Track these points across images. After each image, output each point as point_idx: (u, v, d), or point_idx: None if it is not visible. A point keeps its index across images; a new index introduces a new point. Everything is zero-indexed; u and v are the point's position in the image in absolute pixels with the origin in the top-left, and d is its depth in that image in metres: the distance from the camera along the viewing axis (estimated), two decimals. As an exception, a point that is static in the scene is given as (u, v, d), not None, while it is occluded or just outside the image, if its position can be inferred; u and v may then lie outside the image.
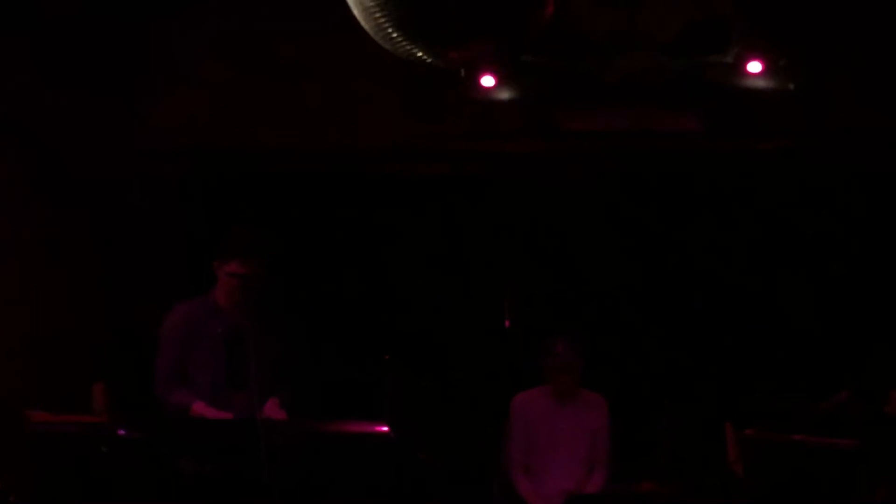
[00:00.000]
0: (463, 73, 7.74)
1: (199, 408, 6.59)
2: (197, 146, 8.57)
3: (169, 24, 8.31)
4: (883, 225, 8.61)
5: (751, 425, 7.27)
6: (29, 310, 8.18)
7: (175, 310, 6.88)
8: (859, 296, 8.63)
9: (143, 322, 7.51)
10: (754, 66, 7.67)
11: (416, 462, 7.25)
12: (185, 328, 6.77)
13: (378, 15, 4.96)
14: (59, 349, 8.22)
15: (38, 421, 6.89)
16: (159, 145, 8.54)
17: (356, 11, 4.99)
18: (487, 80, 7.98)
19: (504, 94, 8.13)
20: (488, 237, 8.95)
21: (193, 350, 6.74)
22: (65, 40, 7.95)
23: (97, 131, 8.25)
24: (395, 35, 4.94)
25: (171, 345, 6.76)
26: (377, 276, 9.12)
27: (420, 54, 6.14)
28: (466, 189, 8.90)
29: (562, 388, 7.48)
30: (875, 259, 8.64)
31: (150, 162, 8.61)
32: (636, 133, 8.41)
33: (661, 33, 7.75)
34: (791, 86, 7.82)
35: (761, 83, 7.79)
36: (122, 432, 6.48)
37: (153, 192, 8.72)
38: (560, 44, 7.78)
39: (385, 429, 6.68)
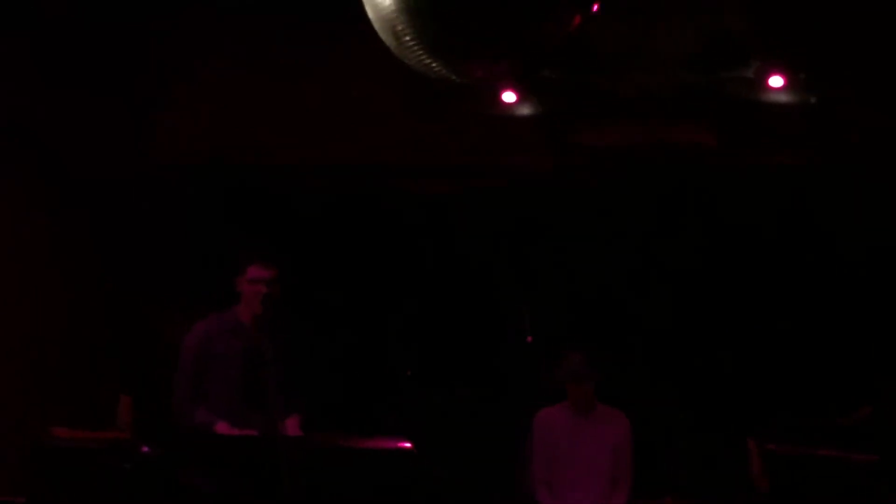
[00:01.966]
0: (483, 89, 7.76)
1: (223, 428, 6.56)
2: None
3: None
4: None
5: (773, 440, 7.25)
6: (53, 323, 8.22)
7: (195, 327, 6.85)
8: (883, 310, 8.60)
9: (168, 336, 7.52)
10: (776, 81, 7.68)
11: (438, 478, 7.26)
12: (204, 346, 6.74)
13: (399, 28, 4.96)
14: (85, 363, 8.25)
15: (60, 436, 6.91)
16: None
17: (375, 24, 4.98)
18: (509, 97, 8.00)
19: (521, 110, 8.15)
20: (509, 251, 8.95)
21: (212, 368, 6.71)
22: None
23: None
24: (415, 49, 4.93)
25: (190, 362, 6.73)
26: (397, 291, 9.13)
27: (440, 69, 6.16)
28: (485, 203, 8.89)
29: (579, 402, 7.45)
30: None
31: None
32: (652, 147, 8.40)
33: (677, 48, 7.76)
34: (812, 100, 7.83)
35: (782, 98, 7.79)
36: (145, 449, 6.49)
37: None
38: (576, 59, 7.80)
39: (408, 445, 6.68)
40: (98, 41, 8.13)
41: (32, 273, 8.09)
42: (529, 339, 7.76)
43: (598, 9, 4.81)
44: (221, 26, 8.32)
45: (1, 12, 7.51)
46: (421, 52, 4.86)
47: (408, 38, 5.02)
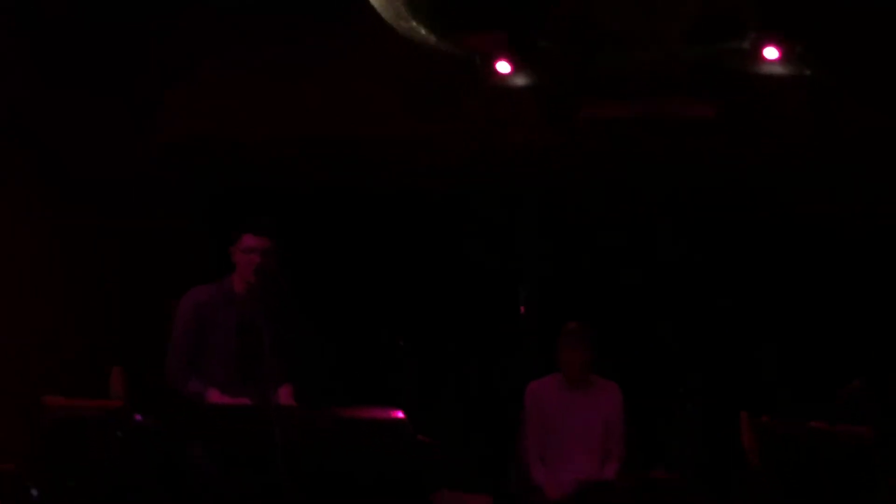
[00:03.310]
0: (478, 60, 7.74)
1: (215, 396, 6.57)
2: (198, 143, 8.59)
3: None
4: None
5: (766, 413, 7.26)
6: (44, 296, 8.23)
7: (188, 295, 6.82)
8: (874, 285, 8.61)
9: (160, 307, 7.53)
10: (771, 52, 7.65)
11: (430, 448, 7.27)
12: (198, 315, 6.72)
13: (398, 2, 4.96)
14: (77, 334, 8.26)
15: (53, 405, 6.91)
16: (160, 140, 8.57)
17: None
18: (503, 66, 7.98)
19: (519, 82, 8.13)
20: (504, 225, 8.95)
21: (206, 337, 6.70)
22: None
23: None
24: (412, 21, 4.93)
25: (185, 331, 6.72)
26: (391, 263, 9.14)
27: (436, 40, 6.15)
28: (482, 177, 8.89)
29: (574, 373, 7.45)
30: (890, 248, 8.62)
31: (151, 157, 8.62)
32: (651, 122, 8.39)
33: (677, 22, 7.74)
34: (807, 72, 7.81)
35: (777, 69, 7.77)
36: (138, 417, 6.49)
37: (156, 187, 8.74)
38: (575, 33, 7.78)
39: (400, 415, 6.69)
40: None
41: (27, 244, 8.11)
42: (522, 309, 7.76)
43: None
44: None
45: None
46: (418, 23, 4.87)
47: (404, 9, 5.02)
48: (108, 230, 8.45)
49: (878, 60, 7.92)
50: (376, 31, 7.71)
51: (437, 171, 8.88)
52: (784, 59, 7.69)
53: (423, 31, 5.25)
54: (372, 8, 7.44)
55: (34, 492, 6.81)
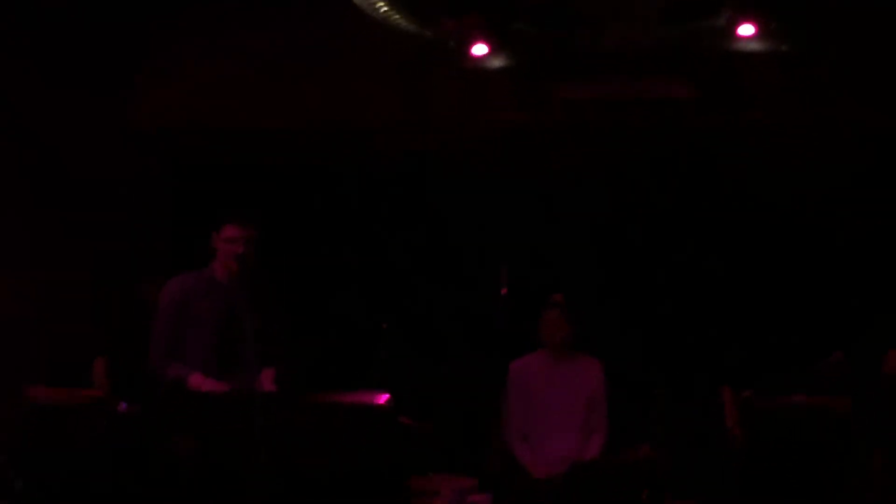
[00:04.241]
0: (453, 43, 7.75)
1: (196, 379, 6.61)
2: (180, 118, 8.59)
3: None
4: (878, 187, 8.60)
5: (748, 389, 7.30)
6: (25, 286, 8.22)
7: (171, 283, 6.89)
8: (854, 258, 8.64)
9: (143, 297, 7.54)
10: (746, 29, 7.66)
11: (415, 432, 7.30)
12: (181, 302, 6.78)
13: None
14: (60, 323, 8.26)
15: (37, 396, 6.92)
16: (141, 117, 8.56)
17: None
18: (479, 49, 7.98)
19: (496, 64, 8.13)
20: (485, 206, 8.96)
21: (188, 325, 6.75)
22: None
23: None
24: (386, 5, 4.92)
25: (168, 318, 6.77)
26: (372, 247, 9.15)
27: (411, 24, 6.15)
28: (462, 159, 8.90)
29: (557, 345, 7.44)
30: (871, 221, 8.65)
31: (126, 146, 8.61)
32: (629, 101, 8.40)
33: (652, 1, 7.75)
34: (783, 48, 7.82)
35: (753, 46, 7.78)
36: (122, 408, 6.51)
37: (136, 163, 8.74)
38: (552, 13, 7.79)
39: (384, 399, 6.70)
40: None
41: (9, 233, 8.10)
42: (504, 290, 7.77)
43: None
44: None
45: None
46: (392, 8, 4.86)
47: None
48: (86, 219, 8.44)
49: (854, 34, 7.94)
50: (351, 17, 7.71)
51: (413, 155, 8.89)
52: (759, 35, 7.69)
53: (397, 16, 5.24)
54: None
55: (19, 483, 6.81)
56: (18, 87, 7.98)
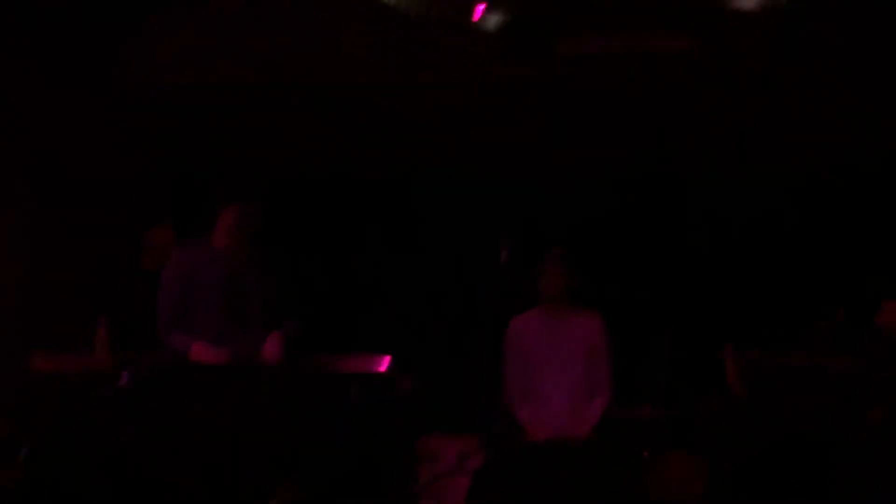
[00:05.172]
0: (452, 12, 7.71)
1: (198, 348, 6.63)
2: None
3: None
4: (879, 138, 8.58)
5: (750, 347, 7.30)
6: (28, 250, 8.25)
7: (174, 258, 6.89)
8: (856, 213, 8.63)
9: (147, 263, 7.58)
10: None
11: (417, 395, 7.32)
12: (184, 273, 6.79)
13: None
14: (61, 288, 8.28)
15: (40, 363, 6.96)
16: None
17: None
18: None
19: (496, 19, 8.08)
20: (484, 168, 8.93)
21: (194, 294, 6.76)
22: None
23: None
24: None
25: (171, 290, 6.78)
26: (371, 211, 9.14)
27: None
28: (460, 119, 8.86)
29: (555, 297, 7.35)
30: (869, 175, 8.63)
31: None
32: (629, 55, 8.36)
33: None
34: (782, 2, 7.77)
35: (750, 2, 7.74)
36: (125, 377, 6.54)
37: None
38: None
39: (386, 362, 6.74)
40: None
41: (11, 198, 8.12)
42: (504, 253, 7.74)
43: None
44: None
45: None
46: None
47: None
48: (86, 167, 8.48)
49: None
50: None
51: (413, 117, 8.86)
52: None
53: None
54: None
55: (24, 450, 6.86)
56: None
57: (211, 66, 8.53)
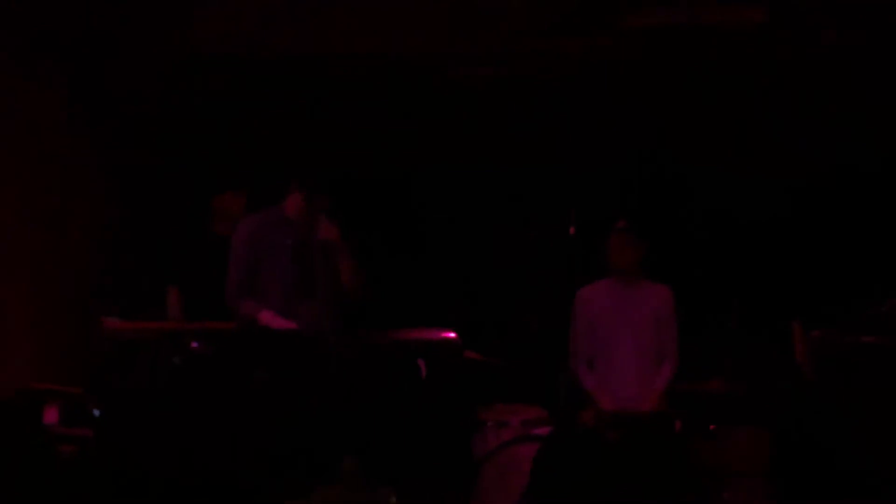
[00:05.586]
0: None
1: (266, 316, 6.74)
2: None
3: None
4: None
5: (819, 324, 7.26)
6: (99, 219, 8.34)
7: (245, 221, 7.02)
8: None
9: (217, 229, 7.64)
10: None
11: (483, 366, 7.36)
12: (255, 239, 6.90)
13: None
14: (133, 255, 8.38)
15: (113, 328, 7.04)
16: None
17: None
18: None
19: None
20: (551, 141, 8.91)
21: (264, 260, 6.86)
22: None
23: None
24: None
25: (242, 255, 6.90)
26: (436, 187, 9.15)
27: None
28: (528, 89, 8.84)
29: (624, 268, 7.36)
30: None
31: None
32: (696, 27, 8.29)
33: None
34: None
35: None
36: (194, 345, 6.61)
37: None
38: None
39: (453, 335, 6.77)
40: None
41: (81, 168, 8.22)
42: (572, 230, 7.75)
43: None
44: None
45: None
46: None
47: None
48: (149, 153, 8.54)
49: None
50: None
51: (476, 82, 8.84)
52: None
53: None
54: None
55: (96, 412, 6.96)
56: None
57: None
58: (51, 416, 6.92)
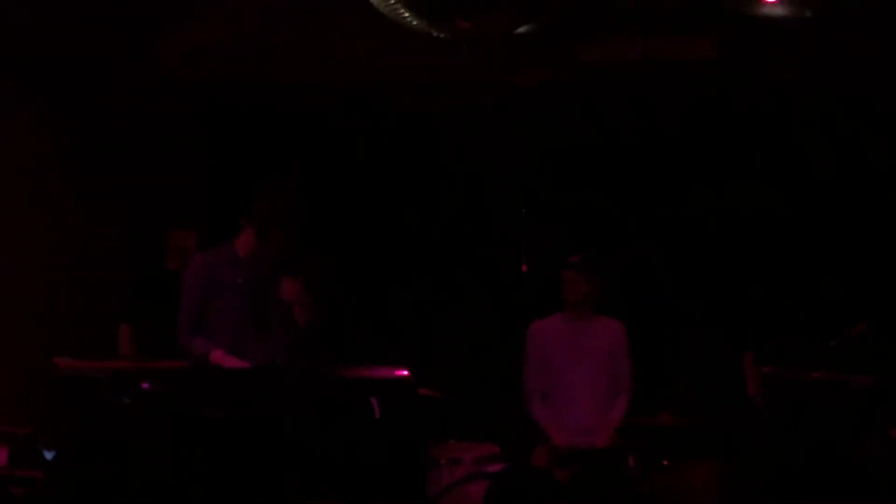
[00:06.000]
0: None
1: (218, 356, 6.68)
2: (206, 67, 8.57)
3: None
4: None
5: (769, 360, 7.29)
6: (53, 254, 8.29)
7: (196, 259, 6.97)
8: (879, 227, 8.60)
9: (170, 265, 7.61)
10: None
11: (435, 403, 7.34)
12: (205, 278, 6.84)
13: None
14: (84, 293, 8.32)
15: (62, 367, 6.99)
16: (168, 66, 8.55)
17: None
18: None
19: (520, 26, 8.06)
20: (504, 174, 8.94)
21: (214, 298, 6.81)
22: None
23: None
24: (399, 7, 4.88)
25: (193, 294, 6.83)
26: (394, 215, 9.14)
27: (423, 25, 6.10)
28: (481, 122, 8.87)
29: (577, 302, 7.37)
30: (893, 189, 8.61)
31: (167, 95, 8.61)
32: (651, 62, 8.35)
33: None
34: (808, 13, 7.74)
35: (778, 11, 7.70)
36: (145, 385, 6.56)
37: (171, 126, 8.75)
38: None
39: (405, 373, 6.75)
40: None
41: (40, 202, 8.17)
42: (524, 267, 7.76)
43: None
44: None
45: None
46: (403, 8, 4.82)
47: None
48: (110, 185, 8.50)
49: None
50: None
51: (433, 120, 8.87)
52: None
53: (408, 15, 5.19)
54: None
55: (48, 454, 6.90)
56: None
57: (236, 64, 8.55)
58: (0, 457, 6.86)
